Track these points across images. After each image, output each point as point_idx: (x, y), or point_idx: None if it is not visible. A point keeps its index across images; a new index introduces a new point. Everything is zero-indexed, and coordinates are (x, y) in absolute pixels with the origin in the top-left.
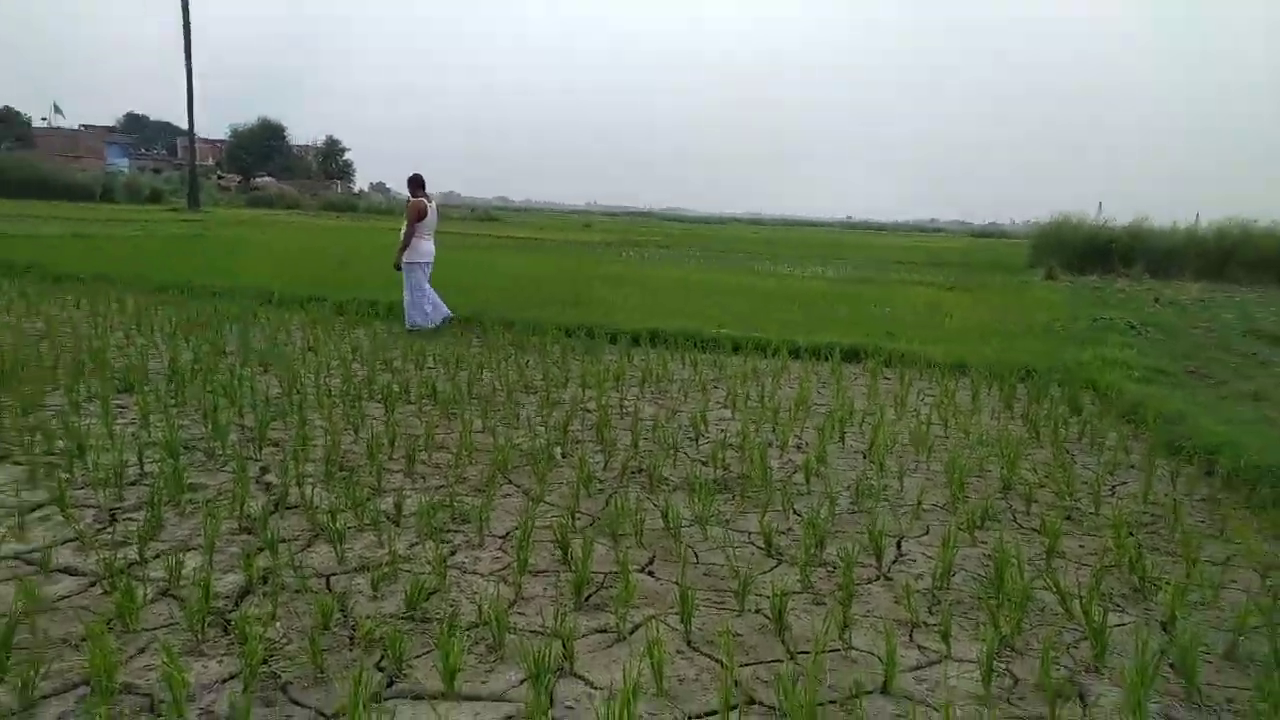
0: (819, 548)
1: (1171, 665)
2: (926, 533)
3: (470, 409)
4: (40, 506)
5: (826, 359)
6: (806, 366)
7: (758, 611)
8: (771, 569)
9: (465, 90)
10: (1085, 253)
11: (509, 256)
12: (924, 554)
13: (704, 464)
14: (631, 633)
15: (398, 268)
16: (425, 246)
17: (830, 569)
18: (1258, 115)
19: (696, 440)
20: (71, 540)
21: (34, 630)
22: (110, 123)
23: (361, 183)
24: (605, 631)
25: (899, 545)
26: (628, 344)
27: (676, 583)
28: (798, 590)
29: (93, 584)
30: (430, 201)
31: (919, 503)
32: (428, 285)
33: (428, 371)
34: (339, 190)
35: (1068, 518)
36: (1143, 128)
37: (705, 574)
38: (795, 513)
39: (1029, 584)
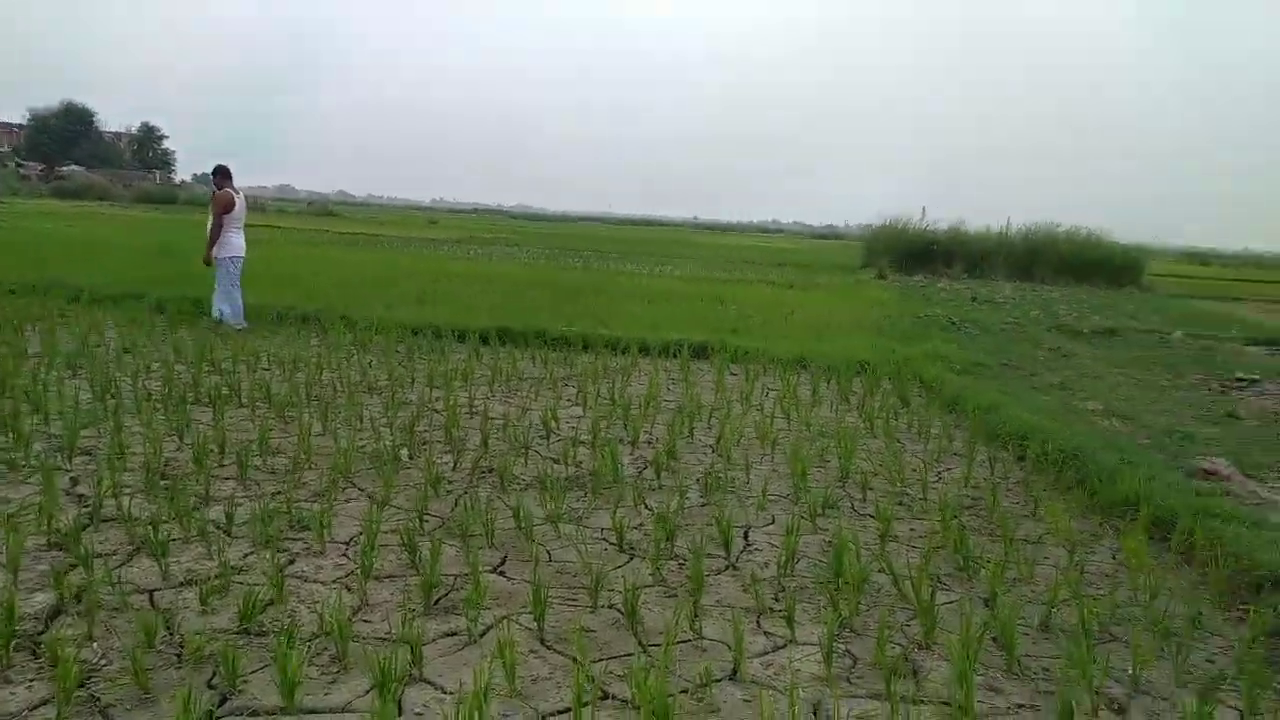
0: (670, 541)
1: (994, 639)
2: (772, 522)
3: (309, 411)
4: None
5: (675, 356)
6: (656, 363)
7: (611, 607)
8: (624, 564)
9: (302, 78)
10: (911, 254)
11: (350, 253)
12: (770, 543)
13: (555, 462)
14: (483, 635)
15: (208, 263)
16: (236, 240)
17: (681, 561)
18: (1079, 123)
19: (548, 438)
20: None
21: None
22: None
23: (184, 173)
24: (455, 635)
25: (746, 535)
26: (476, 342)
27: (529, 581)
28: (649, 584)
29: None
30: (238, 193)
31: (764, 493)
32: (239, 281)
33: (261, 373)
34: (157, 181)
35: (899, 503)
36: (966, 132)
37: (558, 572)
38: (647, 507)
39: (865, 567)
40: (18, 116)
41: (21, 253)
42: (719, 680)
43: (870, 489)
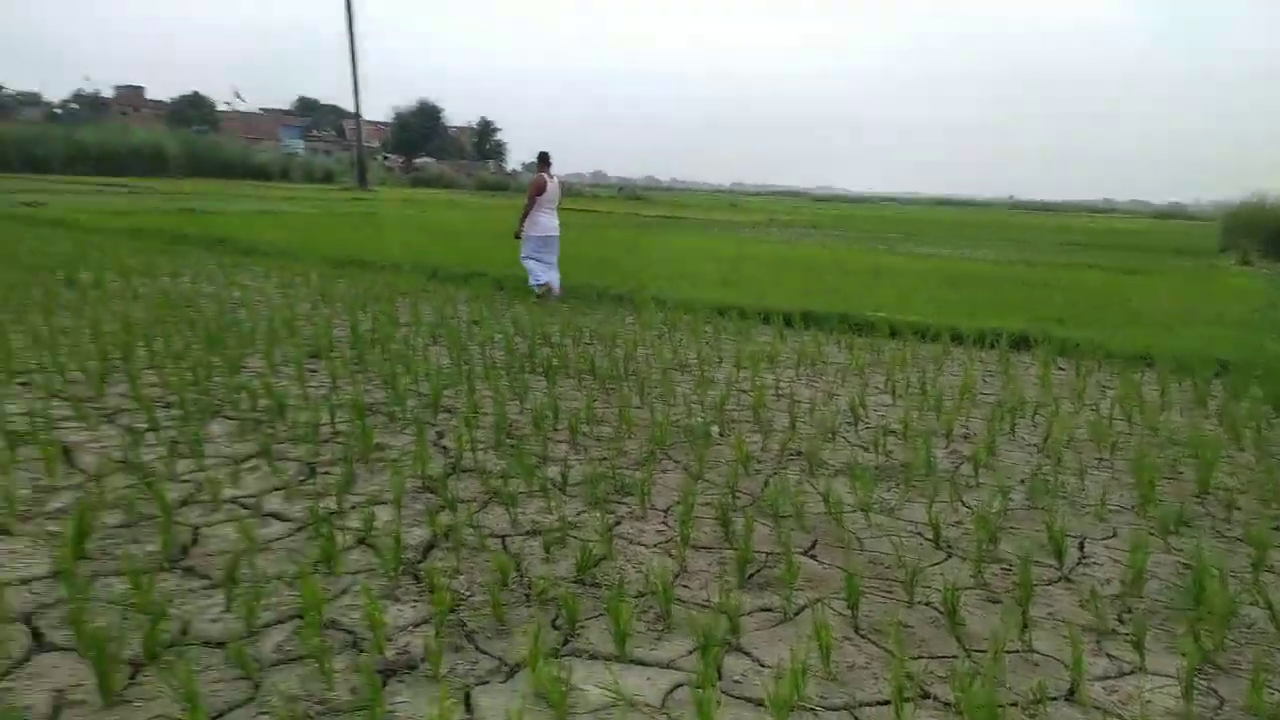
0: (992, 543)
1: None
2: (1113, 535)
3: (627, 385)
4: (250, 458)
5: (992, 346)
6: (970, 353)
7: (927, 604)
8: (941, 561)
9: (614, 69)
10: None
11: (658, 236)
12: (1110, 558)
13: (865, 450)
14: (797, 614)
15: (517, 237)
16: (542, 220)
17: (1005, 566)
18: None
19: (855, 425)
20: (278, 489)
21: (252, 567)
22: (285, 106)
23: (513, 162)
24: (770, 610)
25: (1081, 546)
26: (780, 324)
27: (841, 568)
28: (970, 585)
29: (299, 529)
30: (551, 178)
31: (1102, 502)
32: (543, 256)
33: (585, 348)
34: (492, 170)
35: (1276, 528)
36: None
37: (871, 561)
38: (964, 505)
39: (1235, 598)
40: (382, 115)
41: (391, 235)
42: (1054, 699)
43: (1236, 509)
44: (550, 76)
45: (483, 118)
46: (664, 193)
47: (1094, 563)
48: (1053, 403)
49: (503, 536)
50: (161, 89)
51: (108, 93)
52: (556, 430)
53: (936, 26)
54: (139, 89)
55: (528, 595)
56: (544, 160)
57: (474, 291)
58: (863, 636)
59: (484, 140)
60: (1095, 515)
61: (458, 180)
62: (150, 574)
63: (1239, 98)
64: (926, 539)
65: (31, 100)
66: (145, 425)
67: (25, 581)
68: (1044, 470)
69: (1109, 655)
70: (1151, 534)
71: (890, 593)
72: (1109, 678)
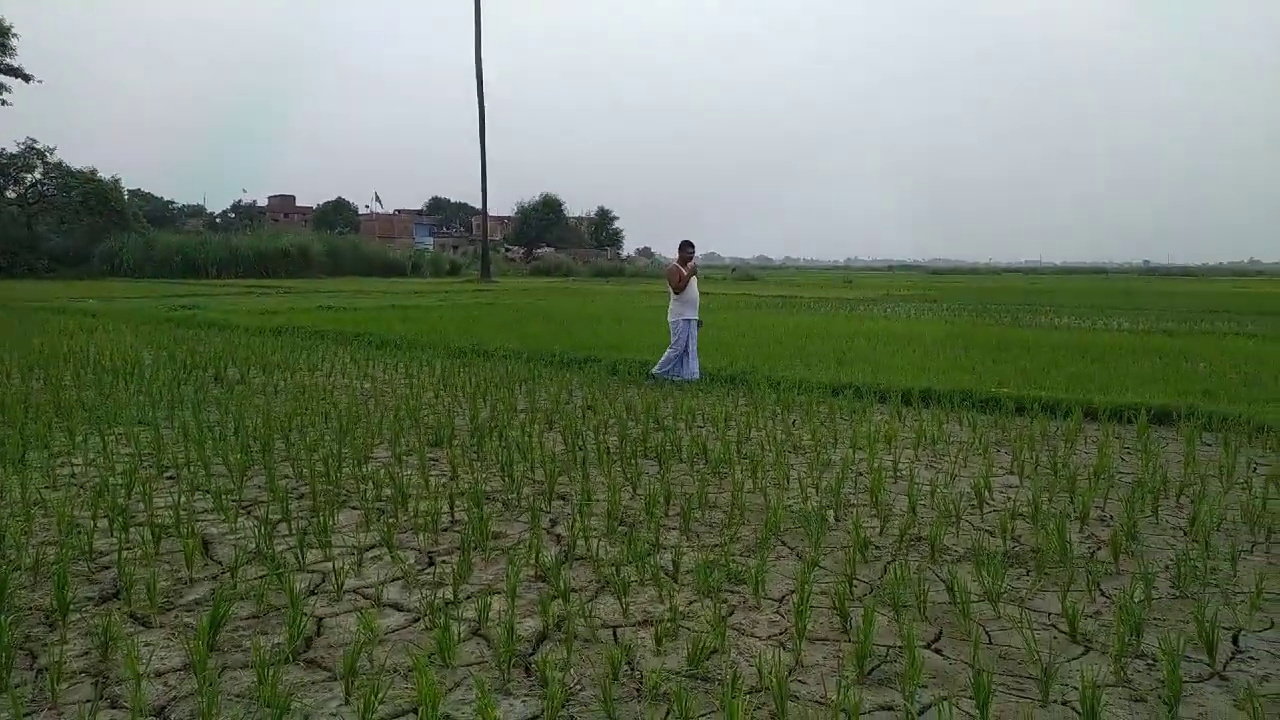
0: (1135, 636)
1: None
2: (1270, 626)
3: (740, 468)
4: (373, 547)
5: (1129, 421)
6: (1106, 429)
7: (1064, 703)
8: (1078, 656)
9: (727, 157)
10: None
11: (770, 316)
12: (1269, 651)
13: (990, 534)
14: (920, 713)
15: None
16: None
17: (1150, 662)
18: None
19: (980, 508)
20: (398, 579)
21: (370, 659)
22: (419, 206)
23: (628, 248)
24: (891, 709)
25: (1235, 639)
26: (898, 403)
27: (968, 663)
28: (1111, 683)
29: (415, 620)
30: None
31: (1258, 590)
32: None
33: (698, 430)
34: (609, 256)
35: None
36: None
37: (1000, 656)
38: (1103, 594)
39: None
40: (508, 211)
41: (511, 324)
42: None
43: None
44: (667, 163)
45: (600, 207)
46: (776, 271)
47: (1250, 658)
48: (1199, 482)
49: (614, 627)
50: (311, 197)
51: (263, 202)
52: (669, 516)
53: (1065, 102)
54: (290, 197)
55: (639, 690)
56: (680, 246)
57: (588, 377)
58: None
59: (601, 229)
60: (1250, 605)
61: (575, 268)
62: (276, 666)
63: None
64: (1061, 631)
65: (195, 212)
66: (279, 516)
67: (160, 674)
68: (1191, 555)
69: None
70: None
71: (1023, 691)
72: None
